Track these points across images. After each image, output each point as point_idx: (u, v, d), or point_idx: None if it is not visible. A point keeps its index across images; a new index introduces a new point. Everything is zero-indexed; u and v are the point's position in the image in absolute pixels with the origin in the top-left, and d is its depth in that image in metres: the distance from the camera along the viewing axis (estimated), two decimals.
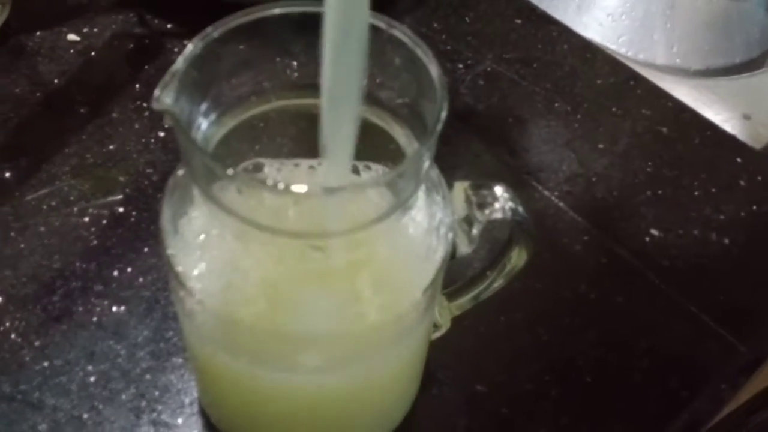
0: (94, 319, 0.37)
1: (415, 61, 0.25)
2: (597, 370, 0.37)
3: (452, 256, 0.28)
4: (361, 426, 0.34)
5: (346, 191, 0.22)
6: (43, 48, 0.47)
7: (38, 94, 0.45)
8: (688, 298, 0.40)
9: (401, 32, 0.25)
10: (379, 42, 0.26)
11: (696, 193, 0.45)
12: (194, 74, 0.24)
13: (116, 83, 0.46)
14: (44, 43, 0.48)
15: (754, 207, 0.44)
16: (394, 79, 0.26)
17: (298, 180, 0.29)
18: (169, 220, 0.27)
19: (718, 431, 0.38)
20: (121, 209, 0.40)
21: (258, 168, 0.29)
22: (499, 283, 0.33)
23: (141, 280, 0.38)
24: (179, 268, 0.26)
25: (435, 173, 0.28)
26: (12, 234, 0.39)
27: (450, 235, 0.28)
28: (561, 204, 0.43)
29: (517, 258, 0.31)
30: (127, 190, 0.41)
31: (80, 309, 0.37)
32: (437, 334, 0.35)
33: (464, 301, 0.34)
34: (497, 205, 0.28)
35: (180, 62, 0.23)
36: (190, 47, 0.24)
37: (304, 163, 0.29)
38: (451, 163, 0.44)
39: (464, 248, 0.29)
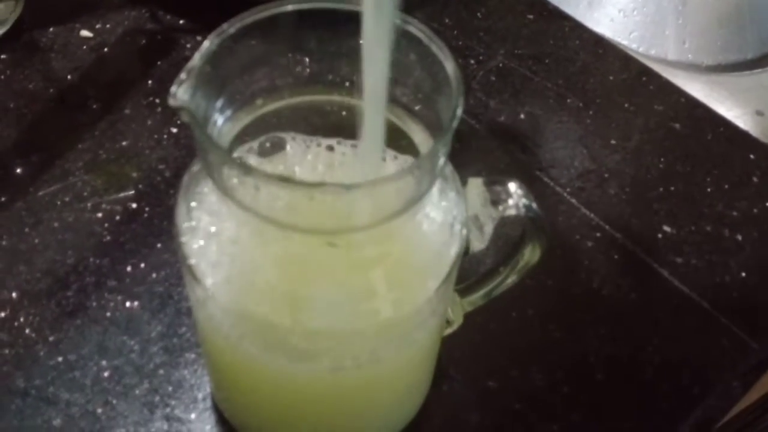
0: (108, 314, 0.37)
1: (431, 57, 0.25)
2: (609, 366, 0.37)
3: (465, 252, 0.28)
4: (374, 421, 0.34)
5: (364, 188, 0.22)
6: (56, 44, 0.48)
7: (51, 90, 0.45)
8: (701, 294, 0.40)
9: (417, 28, 0.25)
10: (394, 38, 0.26)
11: (709, 189, 0.44)
12: (210, 71, 0.24)
13: (129, 79, 0.46)
14: (57, 39, 0.48)
15: (767, 203, 0.44)
16: (409, 75, 0.26)
17: (320, 164, 0.29)
18: (183, 216, 0.27)
19: (731, 428, 0.38)
20: (134, 205, 0.41)
21: (280, 145, 0.29)
22: (511, 280, 0.33)
23: (154, 275, 0.38)
24: (193, 263, 0.26)
25: (449, 170, 0.28)
26: (26, 229, 0.39)
27: (464, 232, 0.28)
28: (573, 200, 0.43)
29: (531, 254, 0.31)
30: (140, 186, 0.41)
31: (94, 304, 0.37)
32: (449, 331, 0.36)
33: (477, 297, 0.34)
34: (511, 202, 0.28)
35: (196, 59, 0.24)
36: (206, 44, 0.24)
37: (324, 142, 0.29)
38: (462, 159, 0.44)
39: (478, 244, 0.29)
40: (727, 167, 0.46)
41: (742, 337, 0.39)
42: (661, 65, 0.56)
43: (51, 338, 0.36)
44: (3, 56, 0.47)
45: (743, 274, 0.41)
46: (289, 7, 0.26)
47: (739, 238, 0.42)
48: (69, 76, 0.46)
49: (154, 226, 0.40)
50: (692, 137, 0.47)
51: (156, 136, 0.44)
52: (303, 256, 0.26)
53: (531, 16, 0.52)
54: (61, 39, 0.48)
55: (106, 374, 0.35)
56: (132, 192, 0.41)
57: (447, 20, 0.52)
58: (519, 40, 0.51)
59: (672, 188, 0.44)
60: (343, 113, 0.29)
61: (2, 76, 0.46)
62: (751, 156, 0.46)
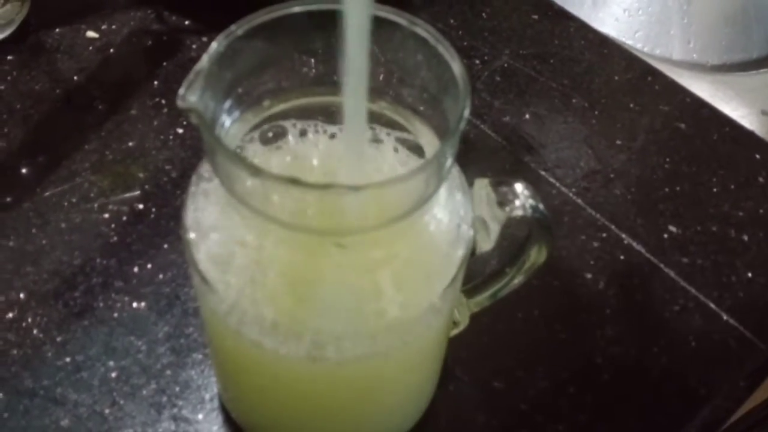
0: (115, 315, 0.37)
1: (437, 58, 0.25)
2: (615, 367, 0.37)
3: (472, 253, 0.28)
4: (380, 421, 0.34)
5: (371, 189, 0.23)
6: (62, 45, 0.48)
7: (58, 91, 0.46)
8: (707, 294, 0.40)
9: (423, 29, 0.25)
10: (400, 39, 0.26)
11: (714, 189, 0.44)
12: (218, 72, 0.24)
13: (135, 80, 0.46)
14: (63, 40, 0.48)
15: None
16: (416, 76, 0.26)
17: (322, 151, 0.29)
18: (191, 216, 0.27)
19: (738, 429, 0.38)
20: (140, 206, 0.41)
21: (281, 132, 0.29)
22: (518, 280, 0.33)
23: (161, 276, 0.38)
24: (201, 263, 0.26)
25: (456, 171, 0.28)
26: (33, 230, 0.39)
27: (471, 233, 0.28)
28: (578, 200, 0.43)
29: (537, 255, 0.31)
30: (147, 187, 0.42)
31: (101, 305, 0.37)
32: (456, 331, 0.36)
33: (483, 298, 0.34)
34: (518, 203, 0.28)
35: (204, 60, 0.24)
36: (215, 45, 0.24)
37: (329, 129, 0.29)
38: (467, 159, 0.44)
39: (484, 245, 0.29)
40: (733, 167, 0.46)
41: (749, 337, 0.39)
42: (666, 65, 0.56)
43: (58, 339, 0.36)
44: (9, 57, 0.47)
45: (749, 274, 0.41)
46: (296, 9, 0.26)
47: (745, 238, 0.42)
48: (75, 77, 0.46)
49: (160, 227, 0.40)
50: (698, 137, 0.47)
51: (162, 137, 0.44)
52: (310, 256, 0.26)
53: (536, 16, 0.52)
54: (67, 40, 0.48)
55: (113, 375, 0.35)
56: (138, 192, 0.41)
57: (452, 20, 0.52)
58: (524, 40, 0.51)
59: (678, 188, 0.44)
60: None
61: (9, 77, 0.46)
62: (757, 156, 0.46)
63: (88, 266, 0.38)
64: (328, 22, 0.26)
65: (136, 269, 0.38)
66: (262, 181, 0.23)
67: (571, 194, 0.44)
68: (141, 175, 0.42)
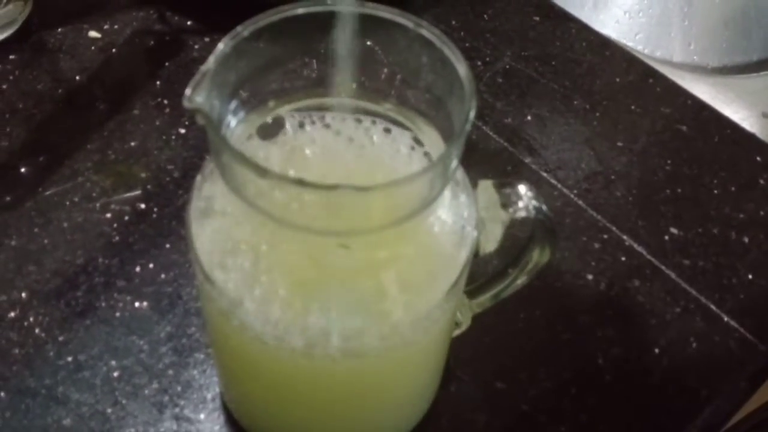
0: (117, 314, 0.37)
1: (443, 60, 0.25)
2: (616, 368, 0.37)
3: (476, 254, 0.29)
4: (382, 421, 0.34)
5: (377, 190, 0.23)
6: (64, 45, 0.48)
7: (60, 91, 0.46)
8: (708, 296, 0.40)
9: (429, 31, 0.25)
10: (406, 41, 0.26)
11: (715, 191, 0.45)
12: (224, 73, 0.24)
13: (137, 80, 0.46)
14: (65, 40, 0.48)
15: None
16: (421, 78, 0.27)
17: (321, 141, 0.29)
18: (195, 215, 0.27)
19: (739, 430, 0.38)
20: (142, 205, 0.41)
21: (279, 123, 0.29)
22: (520, 281, 0.33)
23: (163, 276, 0.38)
24: (205, 262, 0.26)
25: (460, 172, 0.28)
26: (35, 230, 0.40)
27: (474, 234, 0.28)
28: (580, 202, 0.43)
29: (540, 256, 0.31)
30: (149, 187, 0.42)
31: (103, 304, 0.37)
32: (458, 332, 0.36)
33: (485, 298, 0.34)
34: (521, 204, 0.28)
35: (210, 61, 0.24)
36: (221, 46, 0.24)
37: (328, 117, 0.29)
38: (469, 160, 0.44)
39: (488, 246, 0.29)
40: (734, 169, 0.46)
41: (749, 338, 0.39)
42: (666, 67, 0.56)
43: (60, 338, 0.36)
44: (12, 57, 0.47)
45: (750, 276, 0.41)
46: (300, 10, 0.26)
47: (746, 240, 0.42)
48: (77, 77, 0.46)
49: (162, 227, 0.40)
50: (699, 139, 0.47)
51: (164, 137, 0.44)
52: (315, 256, 0.26)
53: (537, 18, 0.53)
54: (70, 40, 0.48)
55: (115, 374, 0.35)
56: (141, 192, 0.41)
57: (454, 22, 0.52)
58: (525, 42, 0.51)
59: (679, 190, 0.44)
60: (353, 114, 0.29)
61: (11, 77, 0.46)
62: (758, 158, 0.46)
63: (90, 266, 0.38)
64: (332, 24, 0.27)
65: (138, 269, 0.38)
66: (268, 182, 0.23)
67: (572, 196, 0.44)
68: (143, 174, 0.42)
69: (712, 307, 0.40)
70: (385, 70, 0.27)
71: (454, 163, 0.25)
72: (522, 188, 0.29)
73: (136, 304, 0.37)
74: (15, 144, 0.43)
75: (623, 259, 0.41)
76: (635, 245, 0.42)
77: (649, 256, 0.41)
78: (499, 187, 0.28)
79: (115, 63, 0.47)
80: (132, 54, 0.48)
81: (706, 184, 0.45)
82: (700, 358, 0.38)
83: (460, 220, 0.28)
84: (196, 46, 0.48)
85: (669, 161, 0.46)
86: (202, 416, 0.34)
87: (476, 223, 0.28)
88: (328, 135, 0.29)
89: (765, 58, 0.64)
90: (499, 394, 0.36)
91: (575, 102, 0.48)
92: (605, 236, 0.42)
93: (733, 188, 0.45)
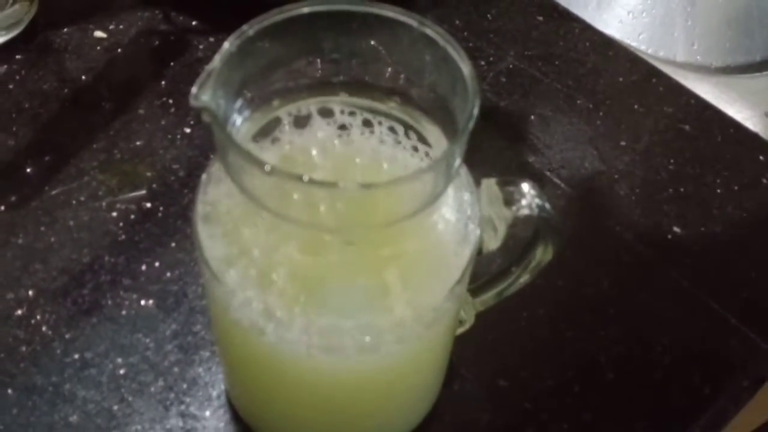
0: (123, 312, 0.37)
1: (447, 59, 0.25)
2: (619, 366, 0.37)
3: (479, 252, 0.29)
4: (385, 419, 0.34)
5: (380, 187, 0.23)
6: (70, 45, 0.48)
7: (65, 90, 0.46)
8: (710, 295, 0.40)
9: (432, 30, 0.25)
10: (409, 40, 0.26)
11: (718, 190, 0.45)
12: (230, 72, 0.24)
13: (142, 80, 0.47)
14: (71, 40, 0.48)
15: None
16: (425, 77, 0.27)
17: (323, 141, 0.29)
18: (201, 213, 0.27)
19: None
20: (148, 204, 0.41)
21: (284, 122, 0.29)
22: (523, 280, 0.33)
23: (169, 274, 0.38)
24: (211, 259, 0.26)
25: (463, 170, 0.28)
26: (42, 228, 0.40)
27: (478, 232, 0.28)
28: (583, 201, 0.43)
29: (543, 254, 0.31)
30: (154, 186, 0.42)
31: (109, 302, 0.37)
32: (461, 330, 0.36)
33: (488, 297, 0.34)
34: (524, 202, 0.28)
35: (216, 60, 0.24)
36: (227, 45, 0.24)
37: (332, 116, 0.29)
38: (472, 159, 0.44)
39: (491, 244, 0.29)
40: (737, 169, 0.46)
41: (752, 337, 0.39)
42: (670, 67, 0.56)
43: (67, 336, 0.36)
44: (18, 57, 0.47)
45: (753, 275, 0.41)
46: (305, 10, 0.26)
47: (749, 239, 0.43)
48: (83, 77, 0.47)
49: (168, 225, 0.40)
50: (702, 139, 0.47)
51: (170, 136, 0.44)
52: (320, 253, 0.26)
53: (541, 18, 0.53)
54: (75, 40, 0.48)
55: (121, 372, 0.35)
56: (146, 191, 0.42)
57: (457, 21, 0.52)
58: (529, 42, 0.51)
59: (681, 189, 0.45)
60: (356, 112, 0.29)
61: (17, 77, 0.46)
62: (761, 157, 0.46)
63: (96, 264, 0.39)
64: (338, 23, 0.27)
65: (144, 267, 0.39)
66: (274, 179, 0.23)
67: (575, 195, 0.44)
68: (149, 174, 0.42)
69: (715, 305, 0.40)
70: (389, 69, 0.28)
71: (458, 161, 0.25)
72: (525, 186, 0.29)
73: (142, 302, 0.38)
74: (21, 143, 0.43)
75: (626, 258, 0.41)
76: (638, 244, 0.42)
77: (651, 255, 0.41)
78: (503, 185, 0.29)
79: (120, 63, 0.48)
80: (137, 54, 0.48)
81: (709, 183, 0.45)
82: (702, 357, 0.38)
83: (463, 217, 0.28)
84: (201, 46, 0.48)
85: (672, 160, 0.46)
86: (207, 413, 0.35)
87: (479, 221, 0.28)
88: (333, 133, 0.29)
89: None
90: (502, 392, 0.36)
91: (578, 101, 0.48)
92: (608, 235, 0.42)
93: (735, 187, 0.45)
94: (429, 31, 0.26)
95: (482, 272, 0.34)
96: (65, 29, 0.49)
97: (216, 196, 0.27)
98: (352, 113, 0.29)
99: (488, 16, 0.53)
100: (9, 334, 0.36)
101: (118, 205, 0.41)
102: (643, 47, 0.65)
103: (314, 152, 0.29)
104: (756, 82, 0.59)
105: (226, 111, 0.25)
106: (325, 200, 0.24)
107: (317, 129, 0.29)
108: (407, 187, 0.24)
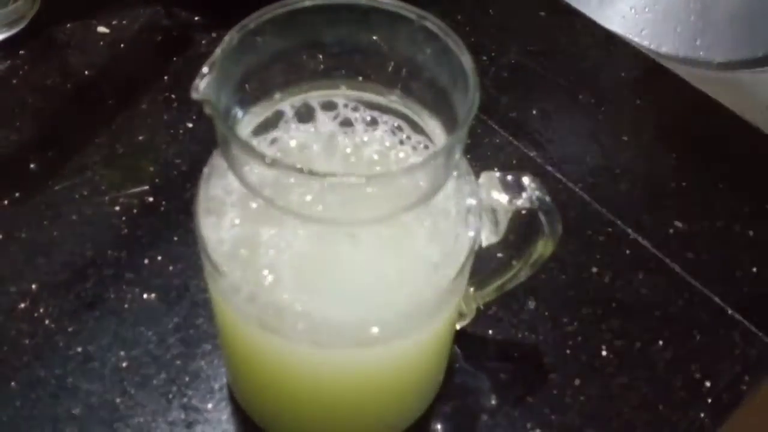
0: (126, 306, 0.37)
1: (447, 52, 0.25)
2: (620, 360, 0.37)
3: (479, 245, 0.29)
4: (386, 412, 0.34)
5: (380, 179, 0.23)
6: (73, 40, 0.48)
7: (68, 86, 0.46)
8: (712, 289, 0.40)
9: (433, 23, 0.26)
10: (410, 33, 0.26)
11: (720, 185, 0.45)
12: (231, 65, 0.25)
13: (145, 75, 0.47)
14: (74, 35, 0.48)
15: None
16: (425, 70, 0.27)
17: (324, 134, 0.29)
18: (203, 207, 0.27)
19: None
20: (150, 199, 0.41)
21: (285, 115, 0.29)
22: (524, 273, 0.33)
23: (171, 268, 0.39)
24: (213, 252, 0.27)
25: (464, 163, 0.28)
26: (45, 222, 0.40)
27: (478, 225, 0.28)
28: (585, 196, 0.44)
29: (543, 248, 0.31)
30: (157, 180, 0.42)
31: (112, 296, 0.38)
32: (462, 323, 0.36)
33: (489, 290, 0.34)
34: (525, 195, 0.29)
35: (218, 53, 0.24)
36: (228, 38, 0.24)
37: (333, 109, 0.30)
38: (474, 154, 0.45)
39: (492, 238, 0.29)
40: (739, 163, 0.46)
41: (754, 331, 0.39)
42: (672, 62, 0.56)
43: (70, 329, 0.36)
44: (21, 52, 0.47)
45: (754, 269, 0.41)
46: (307, 3, 0.26)
47: (751, 233, 0.43)
48: (86, 72, 0.47)
49: (170, 220, 0.40)
50: (703, 134, 0.47)
51: (172, 131, 0.44)
52: (321, 246, 0.26)
53: (543, 13, 0.53)
54: (78, 35, 0.49)
55: (124, 364, 0.36)
56: (149, 186, 0.42)
57: (459, 17, 0.52)
58: (531, 37, 0.51)
59: (683, 184, 0.45)
60: (357, 107, 0.29)
61: (20, 72, 0.46)
62: (763, 152, 0.46)
63: (99, 258, 0.39)
64: (339, 17, 0.27)
65: (146, 261, 0.39)
66: (275, 171, 0.23)
67: (577, 189, 0.44)
68: (151, 168, 0.42)
69: (716, 299, 0.40)
70: (390, 62, 0.28)
71: (458, 153, 0.25)
72: (526, 180, 0.29)
73: (145, 296, 0.38)
74: (24, 139, 0.44)
75: (628, 252, 0.41)
76: (640, 238, 0.42)
77: (653, 250, 0.42)
78: (503, 178, 0.29)
79: (123, 58, 0.48)
80: (140, 49, 0.48)
81: (711, 178, 0.45)
82: (703, 350, 0.38)
83: (463, 210, 0.28)
84: (204, 42, 0.48)
85: (674, 155, 0.46)
86: (209, 406, 0.35)
87: (480, 214, 0.28)
88: (334, 127, 0.29)
89: None
90: (503, 385, 0.36)
91: (580, 97, 0.48)
92: (610, 229, 0.42)
93: (737, 182, 0.45)
94: (429, 24, 0.26)
95: (483, 266, 0.34)
96: (68, 25, 0.49)
97: (218, 190, 0.28)
98: (355, 108, 0.29)
99: (490, 11, 0.53)
100: (12, 327, 0.36)
101: (120, 200, 0.41)
102: (645, 43, 0.64)
103: (315, 145, 0.29)
104: (758, 77, 0.59)
105: (228, 104, 0.25)
106: (325, 192, 0.24)
107: (318, 122, 0.29)
108: (408, 180, 0.24)
